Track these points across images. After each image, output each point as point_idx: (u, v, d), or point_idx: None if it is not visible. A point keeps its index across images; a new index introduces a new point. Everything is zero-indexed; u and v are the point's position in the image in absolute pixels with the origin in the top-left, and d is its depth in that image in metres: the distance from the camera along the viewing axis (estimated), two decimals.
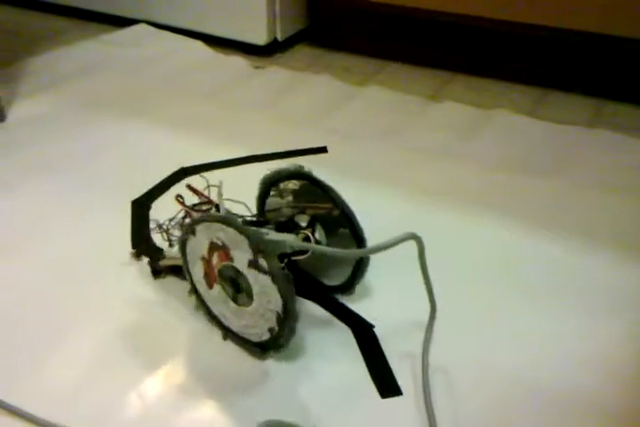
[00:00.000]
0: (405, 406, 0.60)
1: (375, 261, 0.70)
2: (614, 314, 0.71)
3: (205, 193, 0.75)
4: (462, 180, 0.94)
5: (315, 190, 0.69)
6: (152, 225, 0.81)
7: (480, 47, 1.28)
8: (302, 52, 1.42)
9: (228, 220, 0.59)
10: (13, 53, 1.36)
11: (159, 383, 0.61)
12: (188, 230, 0.63)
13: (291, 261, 0.66)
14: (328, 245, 0.69)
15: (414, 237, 0.60)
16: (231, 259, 0.60)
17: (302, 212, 0.71)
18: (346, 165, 0.97)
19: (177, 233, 0.77)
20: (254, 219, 0.73)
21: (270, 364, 0.64)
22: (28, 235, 0.81)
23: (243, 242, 0.58)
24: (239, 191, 0.74)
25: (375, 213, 0.84)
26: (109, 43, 1.40)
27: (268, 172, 0.71)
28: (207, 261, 0.63)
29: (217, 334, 0.67)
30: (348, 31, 1.40)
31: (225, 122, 1.09)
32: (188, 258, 0.66)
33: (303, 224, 0.69)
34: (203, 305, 0.67)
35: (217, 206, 0.73)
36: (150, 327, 0.68)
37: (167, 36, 1.44)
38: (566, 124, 1.11)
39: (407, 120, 1.11)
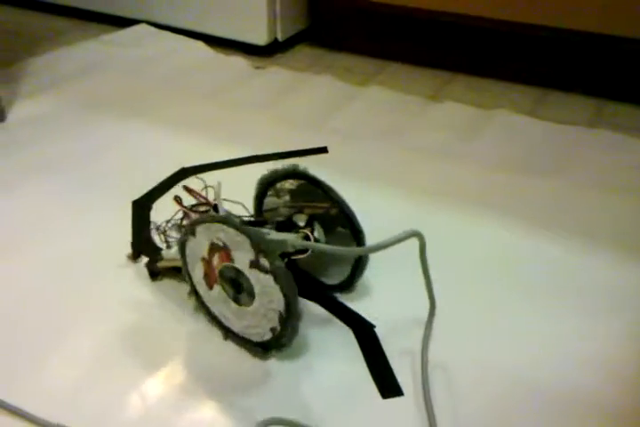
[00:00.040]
0: (405, 405, 0.60)
1: (374, 259, 0.70)
2: (614, 314, 0.71)
3: (203, 194, 0.75)
4: (462, 180, 0.94)
5: (312, 190, 0.69)
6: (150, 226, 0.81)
7: (480, 47, 1.28)
8: (303, 53, 1.42)
9: (229, 220, 0.59)
10: (14, 54, 1.36)
11: (159, 384, 0.61)
12: (188, 231, 0.63)
13: (290, 261, 0.66)
14: (327, 243, 0.69)
15: (416, 234, 0.60)
16: (232, 259, 0.60)
17: (300, 211, 0.71)
18: (346, 165, 0.97)
19: (174, 234, 0.77)
20: (252, 219, 0.73)
21: (271, 363, 0.64)
22: (28, 235, 0.81)
23: (244, 242, 0.58)
24: (237, 192, 0.74)
25: (375, 213, 0.84)
26: (110, 43, 1.40)
27: (266, 172, 0.72)
28: (207, 262, 0.63)
29: (217, 334, 0.67)
30: (349, 31, 1.40)
31: (225, 122, 1.09)
32: (188, 259, 0.66)
33: (301, 224, 0.69)
34: (203, 306, 0.67)
35: (215, 207, 0.73)
36: (150, 328, 0.68)
37: (168, 36, 1.44)
38: (566, 124, 1.11)
39: (407, 120, 1.11)
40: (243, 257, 0.59)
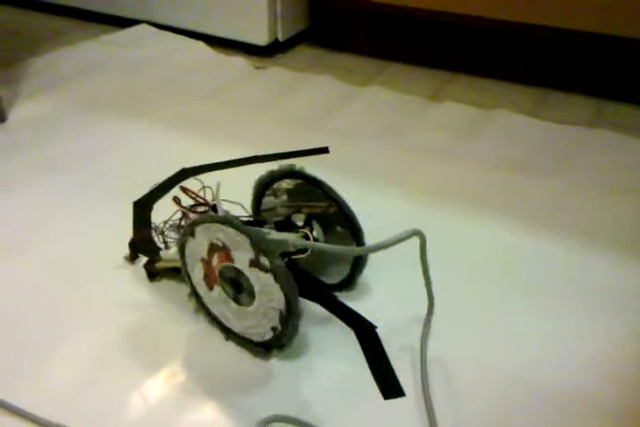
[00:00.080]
0: (405, 404, 0.60)
1: (374, 258, 0.70)
2: (614, 314, 0.71)
3: (200, 195, 0.76)
4: (463, 180, 0.94)
5: (309, 189, 0.69)
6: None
7: (481, 47, 1.28)
8: (303, 53, 1.43)
9: (229, 220, 0.59)
10: (14, 54, 1.36)
11: (160, 384, 0.61)
12: (187, 232, 0.63)
13: (290, 261, 0.66)
14: (326, 243, 0.69)
15: (417, 233, 0.60)
16: (232, 259, 0.60)
17: (298, 211, 0.71)
18: (347, 165, 0.97)
19: (173, 235, 0.77)
20: (251, 219, 0.73)
21: (272, 363, 0.64)
22: (29, 235, 0.81)
23: (244, 242, 0.58)
24: (236, 192, 0.74)
25: (376, 213, 0.84)
26: (110, 43, 1.40)
27: (264, 172, 0.72)
28: (207, 263, 0.63)
29: (217, 334, 0.67)
30: (349, 31, 1.40)
31: (226, 122, 1.09)
32: (187, 260, 0.66)
33: (300, 223, 0.69)
34: (203, 307, 0.67)
35: (213, 207, 0.73)
36: (150, 329, 0.68)
37: (168, 36, 1.44)
38: (567, 125, 1.10)
39: (408, 120, 1.11)
40: (242, 257, 0.59)
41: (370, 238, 0.68)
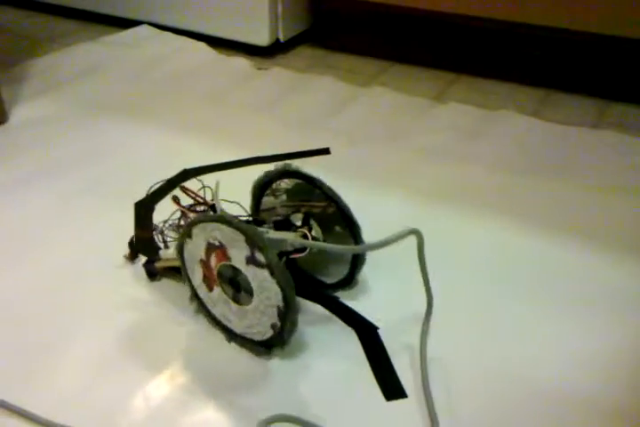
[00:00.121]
0: (406, 403, 0.60)
1: (374, 258, 0.70)
2: (615, 314, 0.71)
3: (200, 194, 0.76)
4: (465, 181, 0.94)
5: (308, 189, 0.69)
6: None
7: (484, 48, 1.28)
8: (304, 54, 1.42)
9: (224, 218, 0.59)
10: (16, 55, 1.36)
11: (162, 384, 0.61)
12: (185, 234, 0.63)
13: (289, 260, 0.66)
14: (324, 242, 0.69)
15: (415, 232, 0.60)
16: (229, 258, 0.60)
17: (297, 210, 0.71)
18: (348, 166, 0.97)
19: (172, 234, 0.77)
20: (250, 219, 0.73)
21: (272, 362, 0.64)
22: (30, 236, 0.81)
23: (239, 239, 0.58)
24: (236, 192, 0.74)
25: (377, 213, 0.84)
26: (112, 44, 1.40)
27: (262, 173, 0.71)
28: (205, 263, 0.63)
29: (217, 333, 0.66)
30: (351, 32, 1.40)
31: (227, 123, 1.09)
32: (187, 263, 0.66)
33: (298, 223, 0.69)
34: (204, 309, 0.67)
35: (212, 207, 0.73)
36: (150, 328, 0.68)
37: (170, 37, 1.44)
38: (570, 126, 1.10)
39: (411, 121, 1.11)
40: (239, 254, 0.59)
41: (370, 239, 0.67)
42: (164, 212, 0.78)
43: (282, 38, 1.38)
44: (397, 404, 0.60)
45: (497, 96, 1.23)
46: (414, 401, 0.60)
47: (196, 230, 0.62)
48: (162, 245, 0.76)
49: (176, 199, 0.75)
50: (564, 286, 0.75)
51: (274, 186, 0.72)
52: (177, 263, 0.67)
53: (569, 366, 0.64)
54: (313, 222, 0.69)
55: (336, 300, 0.71)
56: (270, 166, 0.71)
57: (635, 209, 0.88)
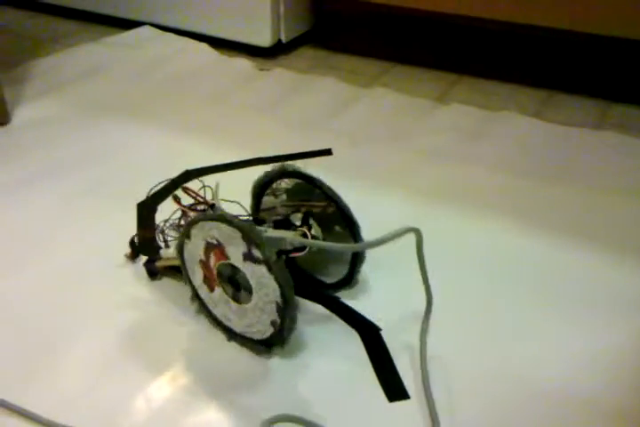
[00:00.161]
0: (407, 403, 0.60)
1: (373, 257, 0.70)
2: (616, 315, 0.71)
3: (200, 194, 0.76)
4: (467, 182, 0.94)
5: (308, 189, 0.69)
6: None
7: (486, 49, 1.28)
8: (306, 54, 1.42)
9: (221, 216, 0.59)
10: (18, 56, 1.36)
11: (163, 385, 0.61)
12: (184, 234, 0.63)
13: (289, 260, 0.66)
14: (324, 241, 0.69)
15: (414, 230, 0.60)
16: (227, 256, 0.60)
17: (297, 210, 0.71)
18: (350, 167, 0.97)
19: (173, 234, 0.77)
20: (250, 218, 0.73)
21: (273, 362, 0.64)
22: (32, 237, 0.81)
23: (236, 236, 0.58)
24: (236, 192, 0.74)
25: (379, 214, 0.84)
26: (114, 45, 1.40)
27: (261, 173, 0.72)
28: (205, 264, 0.63)
29: (217, 334, 0.67)
30: (353, 33, 1.40)
31: (229, 124, 1.09)
32: (187, 264, 0.66)
33: (297, 222, 0.69)
34: (205, 310, 0.67)
35: (212, 207, 0.73)
36: (151, 328, 0.68)
37: (172, 38, 1.44)
38: (572, 127, 1.10)
39: (413, 122, 1.11)
40: (236, 251, 0.59)
41: (370, 239, 0.67)
42: (165, 211, 0.78)
43: (284, 39, 1.38)
44: (398, 404, 0.60)
45: (499, 97, 1.23)
46: (415, 401, 0.60)
47: (194, 231, 0.62)
48: (162, 244, 0.76)
49: (177, 199, 0.75)
50: (566, 286, 0.75)
51: (274, 186, 0.72)
52: (177, 262, 0.67)
53: (570, 367, 0.64)
54: (312, 222, 0.69)
55: (337, 300, 0.71)
56: (269, 167, 0.71)
57: (636, 210, 0.88)
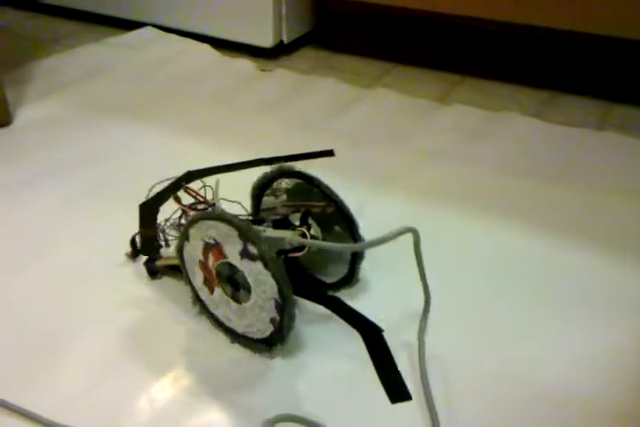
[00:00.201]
0: (406, 402, 0.60)
1: (374, 257, 0.70)
2: (618, 316, 0.71)
3: (201, 193, 0.76)
4: (469, 182, 0.94)
5: (308, 189, 0.69)
6: None
7: (488, 50, 1.28)
8: (308, 55, 1.42)
9: (217, 215, 0.59)
10: (20, 56, 1.36)
11: (164, 385, 0.61)
12: (183, 236, 0.63)
13: (290, 260, 0.66)
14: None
15: (411, 229, 0.60)
16: (225, 255, 0.61)
17: (297, 210, 0.71)
18: (352, 167, 0.97)
19: (173, 233, 0.78)
20: (250, 218, 0.73)
21: (274, 362, 0.64)
22: (33, 238, 0.81)
23: (233, 235, 0.58)
24: (237, 192, 0.74)
25: (380, 214, 0.84)
26: (116, 46, 1.40)
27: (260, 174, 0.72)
28: (204, 265, 0.63)
29: (218, 334, 0.67)
30: (354, 34, 1.40)
31: (231, 125, 1.09)
32: (187, 265, 0.66)
33: (297, 222, 0.69)
34: (206, 311, 0.67)
35: (213, 206, 0.73)
36: (151, 328, 0.68)
37: (174, 38, 1.44)
38: (573, 127, 1.10)
39: (414, 123, 1.11)
40: (233, 250, 0.59)
41: (370, 239, 0.68)
42: (166, 211, 0.78)
43: (285, 40, 1.38)
44: (398, 403, 0.60)
45: (500, 97, 1.23)
46: (415, 400, 0.60)
47: (192, 231, 0.62)
48: (163, 243, 0.77)
49: (177, 198, 0.76)
50: (566, 286, 0.75)
51: (274, 186, 0.72)
52: (177, 262, 0.67)
53: (570, 367, 0.64)
54: (312, 222, 0.69)
55: (339, 301, 0.72)
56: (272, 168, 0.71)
57: (637, 211, 0.88)
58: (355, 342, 0.67)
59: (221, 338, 0.66)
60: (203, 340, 0.67)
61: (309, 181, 0.68)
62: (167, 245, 0.77)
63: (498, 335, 0.68)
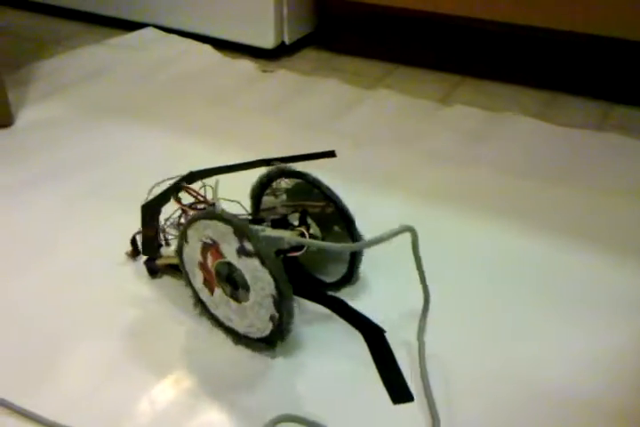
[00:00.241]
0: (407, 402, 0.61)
1: (373, 257, 0.70)
2: (618, 316, 0.71)
3: (201, 193, 0.76)
4: (470, 183, 0.94)
5: (308, 189, 0.69)
6: None
7: (489, 50, 1.28)
8: (309, 56, 1.43)
9: (212, 213, 0.59)
10: (22, 57, 1.36)
11: (165, 386, 0.62)
12: (182, 237, 0.64)
13: (290, 259, 0.66)
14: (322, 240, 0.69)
15: (409, 229, 0.60)
16: (222, 254, 0.61)
17: (297, 210, 0.71)
18: (354, 168, 0.97)
19: (173, 232, 0.78)
20: (249, 217, 0.74)
21: (274, 362, 0.64)
22: (35, 238, 0.81)
23: (228, 232, 0.58)
24: (237, 191, 0.74)
25: (381, 215, 0.84)
26: (117, 47, 1.40)
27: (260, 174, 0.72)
28: (203, 265, 0.63)
29: (218, 333, 0.67)
30: (356, 35, 1.40)
31: (233, 126, 1.09)
32: (187, 267, 0.66)
33: (295, 222, 0.69)
34: (207, 312, 0.67)
35: (212, 206, 0.73)
36: (152, 328, 0.68)
37: (175, 39, 1.44)
38: (574, 128, 1.10)
39: (416, 124, 1.11)
40: (230, 248, 0.59)
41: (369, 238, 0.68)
42: (166, 210, 0.78)
43: (287, 41, 1.38)
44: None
45: (501, 98, 1.23)
46: (415, 401, 0.60)
47: (190, 232, 0.62)
48: (163, 242, 0.77)
49: (177, 198, 0.76)
50: (567, 287, 0.75)
51: (274, 185, 0.72)
52: (177, 261, 0.67)
53: (571, 368, 0.64)
54: (311, 221, 0.70)
55: (341, 301, 0.72)
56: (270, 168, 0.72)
57: (638, 211, 0.88)
58: (355, 342, 0.67)
59: (221, 338, 0.66)
60: (203, 340, 0.67)
61: (309, 181, 0.68)
62: (167, 244, 0.77)
63: (498, 335, 0.68)
